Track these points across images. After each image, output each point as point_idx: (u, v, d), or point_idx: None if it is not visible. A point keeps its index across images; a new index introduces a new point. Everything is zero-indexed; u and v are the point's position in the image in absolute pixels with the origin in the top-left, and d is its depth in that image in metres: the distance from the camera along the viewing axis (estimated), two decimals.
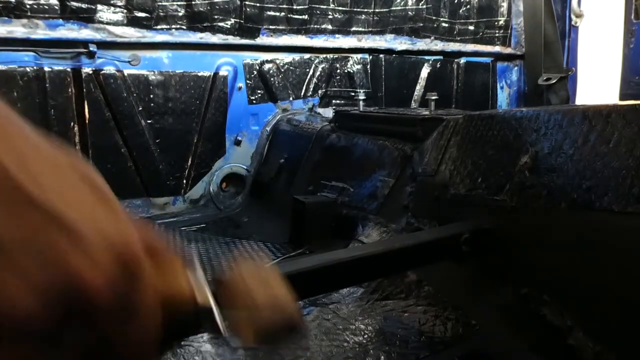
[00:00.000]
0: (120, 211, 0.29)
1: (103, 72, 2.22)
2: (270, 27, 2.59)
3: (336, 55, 2.76)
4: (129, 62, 2.26)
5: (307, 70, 2.69)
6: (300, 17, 2.66)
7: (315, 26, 2.71)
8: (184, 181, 2.42)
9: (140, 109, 2.29)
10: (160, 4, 2.32)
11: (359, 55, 2.81)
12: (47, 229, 0.25)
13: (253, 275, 0.41)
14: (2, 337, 0.23)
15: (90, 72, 2.19)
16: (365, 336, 1.09)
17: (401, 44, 2.94)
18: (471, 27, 3.15)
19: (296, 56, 2.65)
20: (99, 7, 2.22)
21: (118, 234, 0.28)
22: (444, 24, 3.07)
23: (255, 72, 2.54)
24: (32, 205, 0.25)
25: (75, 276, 0.25)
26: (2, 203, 0.24)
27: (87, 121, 2.20)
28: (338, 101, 2.77)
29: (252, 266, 0.42)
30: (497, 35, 3.23)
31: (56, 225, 0.25)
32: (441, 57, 3.05)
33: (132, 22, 2.28)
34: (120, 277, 0.27)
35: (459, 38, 3.12)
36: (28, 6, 2.09)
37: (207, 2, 2.41)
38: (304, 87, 2.69)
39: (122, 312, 0.28)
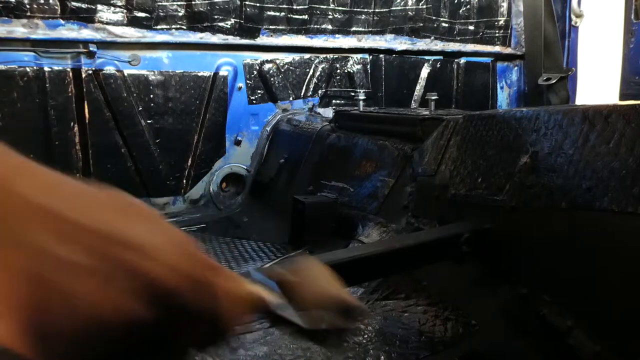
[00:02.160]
0: (173, 227, 0.34)
1: (103, 72, 2.22)
2: (270, 27, 2.59)
3: (336, 55, 2.76)
4: (129, 62, 2.26)
5: (307, 70, 2.69)
6: (300, 17, 2.66)
7: (315, 26, 2.71)
8: (184, 181, 2.42)
9: (140, 109, 2.29)
10: (160, 4, 2.32)
11: (359, 55, 2.81)
12: (119, 253, 0.29)
13: (309, 272, 0.45)
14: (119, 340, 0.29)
15: (90, 72, 2.19)
16: (365, 336, 1.09)
17: (401, 44, 2.94)
18: (471, 27, 3.15)
19: (296, 56, 2.65)
20: (99, 7, 2.22)
21: (179, 245, 0.33)
22: (444, 24, 3.07)
23: (255, 72, 2.54)
24: (98, 235, 0.29)
25: (156, 280, 0.30)
26: (71, 241, 0.28)
27: (87, 121, 2.20)
28: (338, 101, 2.77)
29: (305, 264, 0.46)
30: (497, 35, 3.23)
31: (123, 247, 0.30)
32: (441, 57, 3.05)
33: (132, 22, 2.28)
34: (193, 278, 0.32)
35: (459, 38, 3.12)
36: (28, 6, 2.09)
37: (207, 2, 2.41)
38: (304, 87, 2.69)
39: (202, 310, 0.32)
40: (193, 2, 2.38)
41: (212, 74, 2.42)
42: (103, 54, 2.21)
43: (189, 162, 2.42)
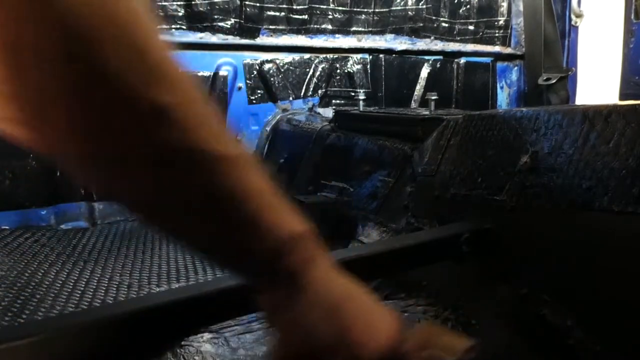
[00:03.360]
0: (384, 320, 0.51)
1: None
2: (270, 27, 2.59)
3: (336, 55, 2.76)
4: None
5: (307, 70, 2.68)
6: (300, 17, 2.66)
7: (315, 26, 2.71)
8: None
9: None
10: (160, 4, 2.32)
11: (359, 55, 2.81)
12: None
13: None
14: None
15: None
16: None
17: (401, 44, 2.94)
18: (471, 27, 3.14)
19: (296, 56, 2.65)
20: None
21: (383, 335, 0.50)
22: (444, 24, 3.07)
23: (255, 72, 2.54)
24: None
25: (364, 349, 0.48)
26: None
27: None
28: (338, 101, 2.77)
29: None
30: (497, 35, 3.23)
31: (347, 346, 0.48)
32: (441, 57, 3.04)
33: None
34: (390, 353, 0.49)
35: (459, 38, 3.12)
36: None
37: (207, 2, 2.41)
38: (304, 87, 2.69)
39: None
40: (193, 2, 2.38)
41: (211, 73, 2.42)
42: None
43: None
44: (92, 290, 1.31)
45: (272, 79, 2.58)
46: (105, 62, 0.35)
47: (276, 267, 0.46)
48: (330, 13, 2.74)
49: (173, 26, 2.36)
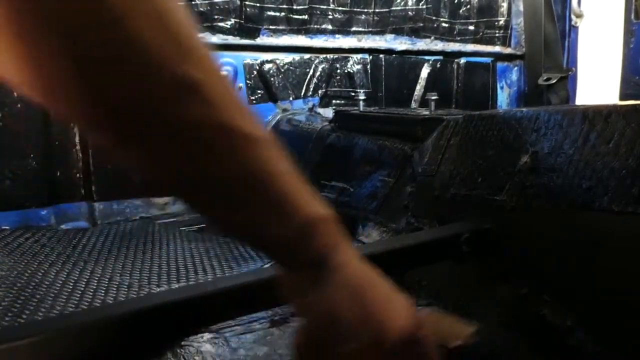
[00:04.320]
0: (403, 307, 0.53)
1: None
2: (271, 27, 2.59)
3: (336, 55, 2.76)
4: None
5: (307, 70, 2.68)
6: (300, 17, 2.66)
7: (315, 26, 2.71)
8: None
9: None
10: None
11: (359, 55, 2.81)
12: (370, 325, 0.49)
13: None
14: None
15: None
16: None
17: (401, 44, 2.94)
18: (471, 27, 3.14)
19: (296, 56, 2.65)
20: None
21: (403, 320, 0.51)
22: (444, 24, 3.07)
23: (255, 72, 2.54)
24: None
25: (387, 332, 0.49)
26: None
27: None
28: (338, 101, 2.77)
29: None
30: (497, 35, 3.23)
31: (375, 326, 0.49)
32: (441, 57, 3.04)
33: None
34: (409, 336, 0.50)
35: (459, 38, 3.12)
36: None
37: (207, 2, 2.41)
38: (304, 87, 2.69)
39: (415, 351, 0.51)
40: (193, 2, 2.38)
41: None
42: None
43: None
44: (92, 290, 1.31)
45: (272, 79, 2.58)
46: (139, 33, 0.35)
47: (303, 250, 0.47)
48: (330, 13, 2.74)
49: None
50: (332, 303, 0.48)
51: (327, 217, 0.49)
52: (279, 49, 2.60)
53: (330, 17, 2.74)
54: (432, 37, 3.04)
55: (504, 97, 3.27)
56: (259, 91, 2.56)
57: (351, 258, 0.51)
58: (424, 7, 2.99)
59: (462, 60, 3.10)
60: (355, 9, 2.80)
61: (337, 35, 2.77)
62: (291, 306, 0.53)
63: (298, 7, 2.64)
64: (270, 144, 0.45)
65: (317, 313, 0.49)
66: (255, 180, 0.44)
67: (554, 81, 3.00)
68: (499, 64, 3.24)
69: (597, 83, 3.24)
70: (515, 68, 3.29)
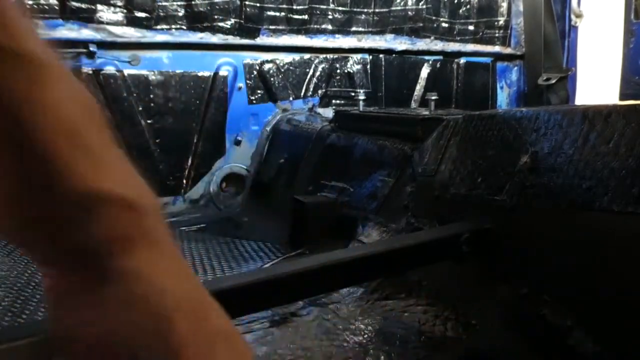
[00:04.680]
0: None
1: (103, 72, 2.21)
2: (270, 27, 2.59)
3: (336, 55, 2.76)
4: (129, 62, 2.26)
5: (307, 70, 2.68)
6: (300, 17, 2.66)
7: (315, 26, 2.71)
8: (184, 181, 2.42)
9: (140, 109, 2.29)
10: (160, 4, 2.32)
11: (359, 55, 2.81)
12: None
13: None
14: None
15: (90, 72, 2.19)
16: (365, 336, 1.09)
17: (401, 44, 2.94)
18: (471, 27, 3.14)
19: (296, 56, 2.65)
20: (99, 7, 2.21)
21: None
22: (443, 24, 3.07)
23: (255, 72, 2.54)
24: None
25: None
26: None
27: None
28: (338, 101, 2.77)
29: None
30: (497, 35, 3.23)
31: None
32: (441, 57, 3.04)
33: (132, 22, 2.28)
34: None
35: (458, 38, 3.12)
36: (28, 6, 2.09)
37: (207, 2, 2.41)
38: (304, 87, 2.69)
39: None
40: (193, 2, 2.38)
41: (212, 74, 2.42)
42: (103, 54, 2.21)
43: (189, 162, 2.42)
44: None
45: (272, 79, 2.58)
46: None
47: (69, 238, 0.31)
48: (330, 13, 2.74)
49: (173, 26, 2.36)
50: (104, 328, 0.33)
51: (130, 201, 0.32)
52: (278, 49, 2.60)
53: (330, 17, 2.74)
54: (432, 37, 3.03)
55: (503, 97, 3.27)
56: (259, 91, 2.56)
57: (158, 268, 0.33)
58: (424, 7, 2.98)
59: (462, 60, 3.10)
60: (355, 9, 2.80)
61: (337, 35, 2.77)
62: (54, 323, 0.36)
63: (298, 7, 2.64)
64: (60, 77, 0.32)
65: (86, 337, 0.33)
66: (13, 122, 0.29)
67: (553, 81, 3.00)
68: (499, 64, 3.24)
69: (596, 83, 3.24)
70: (515, 68, 3.29)
